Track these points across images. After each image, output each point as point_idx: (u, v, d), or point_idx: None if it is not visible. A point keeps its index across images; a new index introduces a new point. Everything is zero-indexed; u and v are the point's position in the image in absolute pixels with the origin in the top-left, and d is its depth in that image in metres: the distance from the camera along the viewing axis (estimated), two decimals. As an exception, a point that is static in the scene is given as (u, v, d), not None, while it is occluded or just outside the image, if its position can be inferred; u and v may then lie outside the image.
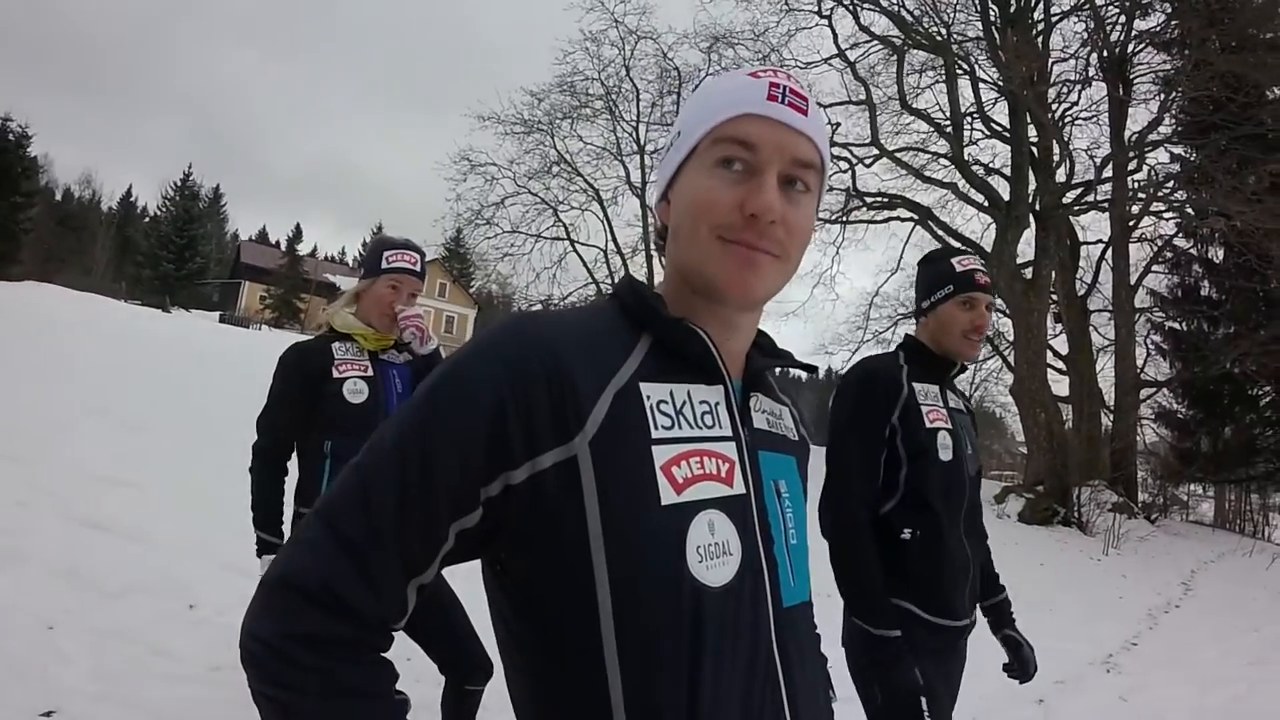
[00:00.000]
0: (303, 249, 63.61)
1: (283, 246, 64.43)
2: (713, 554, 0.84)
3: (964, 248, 1.69)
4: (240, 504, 2.65)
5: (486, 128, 20.29)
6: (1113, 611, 8.13)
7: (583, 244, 21.16)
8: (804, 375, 1.46)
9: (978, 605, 2.19)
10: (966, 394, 2.22)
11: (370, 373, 2.62)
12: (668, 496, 0.83)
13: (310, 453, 2.58)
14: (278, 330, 37.30)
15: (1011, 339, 17.47)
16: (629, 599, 0.81)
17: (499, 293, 27.35)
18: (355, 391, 2.57)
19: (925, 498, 2.01)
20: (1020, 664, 2.20)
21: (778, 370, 1.17)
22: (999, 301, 16.82)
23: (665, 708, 0.81)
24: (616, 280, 0.88)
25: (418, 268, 2.68)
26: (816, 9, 17.69)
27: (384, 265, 2.63)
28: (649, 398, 0.86)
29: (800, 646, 0.94)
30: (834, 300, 26.48)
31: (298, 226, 65.60)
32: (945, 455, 2.03)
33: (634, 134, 20.79)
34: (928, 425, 2.04)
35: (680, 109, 1.04)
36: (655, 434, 0.84)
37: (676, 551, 0.82)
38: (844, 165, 17.95)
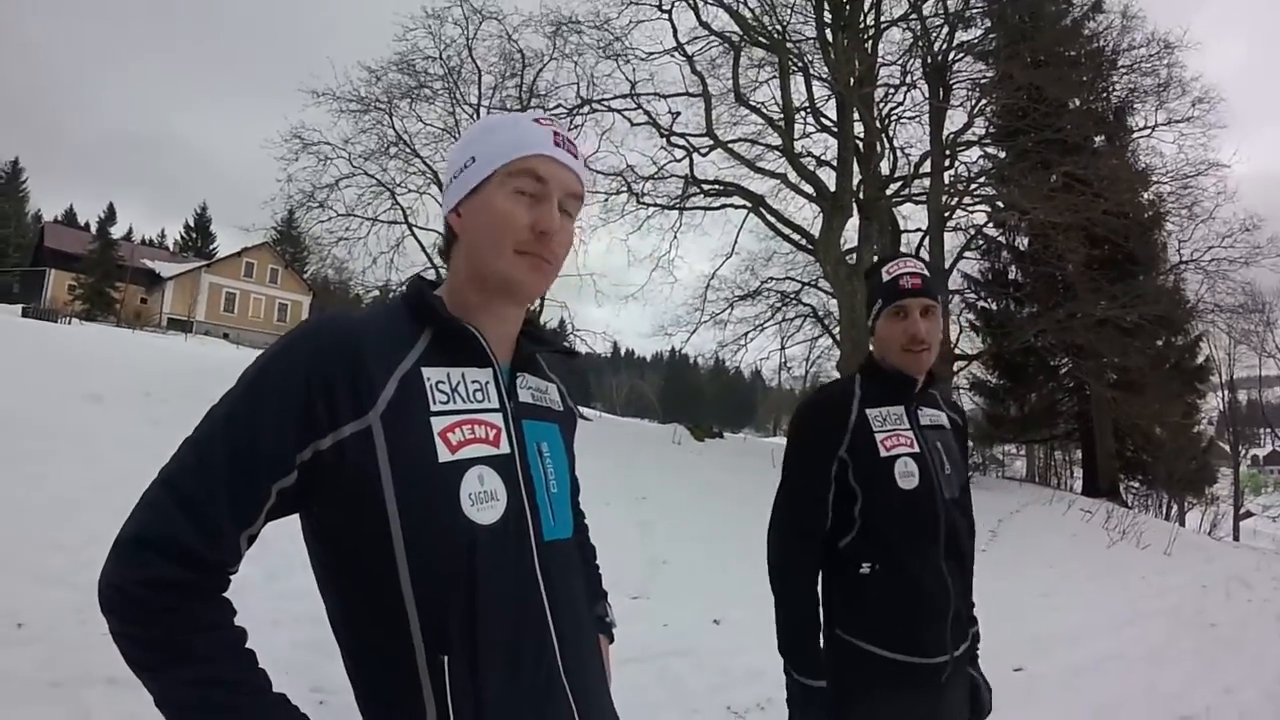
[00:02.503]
0: (116, 232, 57.52)
1: (93, 229, 58.23)
2: (482, 499, 1.05)
3: (899, 259, 1.69)
4: (50, 513, 2.39)
5: (320, 104, 18.91)
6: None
7: (421, 228, 19.88)
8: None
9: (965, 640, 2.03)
10: (940, 398, 2.19)
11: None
12: (444, 456, 1.04)
13: None
14: (90, 324, 32.95)
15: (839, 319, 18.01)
16: (417, 536, 1.01)
17: (335, 278, 25.81)
18: None
19: (882, 531, 1.89)
20: (975, 706, 2.04)
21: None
22: (827, 287, 17.87)
23: (450, 620, 1.01)
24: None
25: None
26: (657, 3, 17.69)
27: None
28: (429, 379, 1.07)
29: (563, 571, 1.16)
30: (673, 284, 26.81)
31: (110, 207, 60.81)
32: (907, 483, 1.89)
33: (474, 116, 19.28)
34: (883, 454, 1.90)
35: (466, 137, 1.22)
36: (434, 407, 1.05)
37: (452, 498, 1.02)
38: (680, 154, 18.27)
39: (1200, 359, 22.31)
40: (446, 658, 1.00)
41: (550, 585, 1.11)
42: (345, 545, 1.04)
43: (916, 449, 1.94)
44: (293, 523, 1.09)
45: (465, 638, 1.02)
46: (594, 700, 1.17)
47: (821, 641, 1.93)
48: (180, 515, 0.96)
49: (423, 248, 20.04)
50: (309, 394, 0.99)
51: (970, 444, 19.81)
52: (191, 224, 69.16)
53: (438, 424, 1.05)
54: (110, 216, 59.58)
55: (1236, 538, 22.99)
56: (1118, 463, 20.23)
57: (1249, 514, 28.54)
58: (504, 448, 1.11)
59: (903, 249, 19.36)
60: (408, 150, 19.47)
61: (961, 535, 2.01)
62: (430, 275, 1.25)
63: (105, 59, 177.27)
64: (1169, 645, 6.39)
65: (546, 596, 1.10)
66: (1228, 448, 29.58)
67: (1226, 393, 29.11)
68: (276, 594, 4.46)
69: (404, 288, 1.20)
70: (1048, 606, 7.41)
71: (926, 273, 2.03)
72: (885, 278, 2.01)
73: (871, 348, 2.09)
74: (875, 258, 17.86)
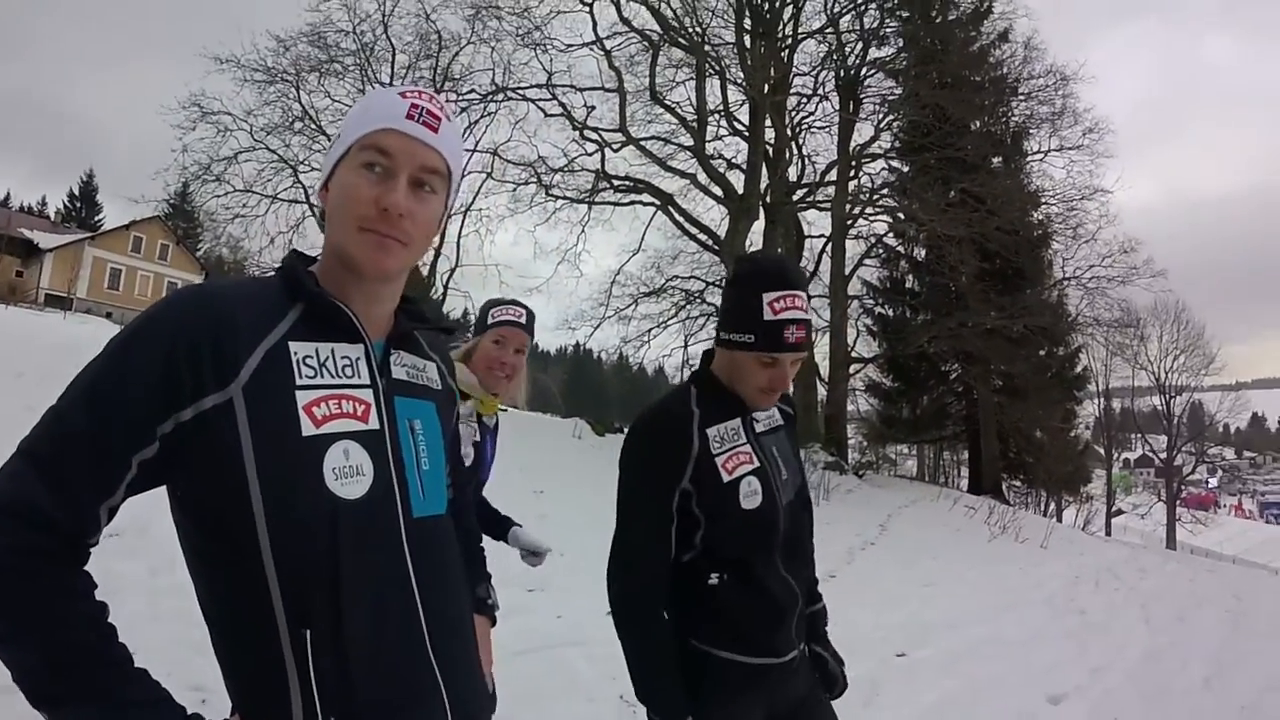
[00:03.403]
0: (-10, 198, 51.83)
1: (-39, 196, 51.94)
2: (347, 474, 1.03)
3: (786, 292, 1.46)
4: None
5: (224, 72, 17.77)
6: (817, 554, 9.62)
7: (323, 208, 18.87)
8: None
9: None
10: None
11: (478, 437, 2.59)
12: (307, 429, 1.01)
13: None
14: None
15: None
16: (278, 510, 0.99)
17: (229, 257, 24.56)
18: (464, 455, 2.47)
19: (725, 549, 1.81)
20: (825, 679, 2.03)
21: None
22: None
23: (313, 594, 1.00)
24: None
25: (523, 320, 2.65)
26: (580, -1, 17.47)
27: (490, 321, 2.61)
28: (296, 353, 1.04)
29: (433, 547, 1.14)
30: (579, 278, 26.63)
31: (-17, 171, 55.40)
32: (750, 503, 1.80)
33: (386, 97, 18.69)
34: (726, 479, 1.78)
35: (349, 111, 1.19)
36: (299, 381, 1.03)
37: (314, 472, 1.01)
38: (593, 148, 18.14)
39: (1079, 369, 23.79)
40: (309, 632, 1.00)
41: (419, 561, 1.10)
42: (208, 519, 1.02)
43: (756, 464, 1.84)
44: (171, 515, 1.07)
45: (328, 612, 1.00)
46: (463, 677, 1.16)
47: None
48: (40, 484, 0.94)
49: (323, 229, 18.50)
50: (172, 364, 0.97)
51: (850, 440, 20.66)
52: (76, 193, 62.80)
53: (302, 398, 1.03)
54: (-17, 181, 53.79)
55: (1108, 533, 24.65)
56: (1001, 463, 21.32)
57: (1120, 512, 30.38)
58: (373, 423, 1.09)
59: (805, 254, 19.68)
60: (313, 127, 18.53)
61: (803, 534, 1.98)
62: (315, 254, 1.21)
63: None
64: (1042, 630, 6.79)
65: (414, 572, 1.09)
66: (1102, 451, 31.44)
67: (1102, 400, 30.94)
68: (158, 590, 4.34)
69: (280, 263, 1.16)
70: (931, 595, 7.78)
71: (808, 316, 1.82)
72: (768, 315, 1.75)
73: (714, 363, 1.91)
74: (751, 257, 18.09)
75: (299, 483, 1.00)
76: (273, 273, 1.15)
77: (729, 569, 1.80)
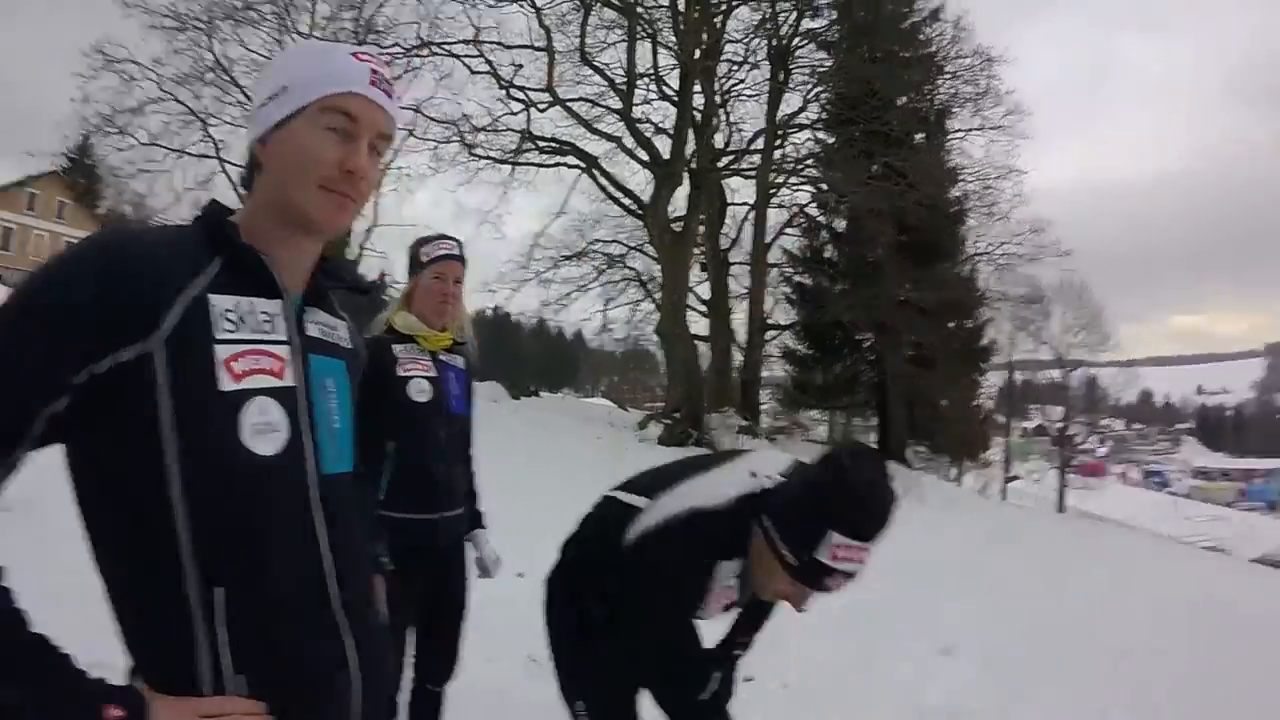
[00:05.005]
0: None
1: None
2: (262, 430, 1.01)
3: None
4: None
5: (130, 17, 16.27)
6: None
7: (234, 164, 17.02)
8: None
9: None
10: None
11: (433, 372, 2.61)
12: (226, 384, 0.98)
13: (372, 454, 2.43)
14: None
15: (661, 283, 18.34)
16: (193, 465, 0.96)
17: (132, 215, 22.88)
18: (420, 391, 2.56)
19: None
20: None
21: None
22: (652, 252, 18.16)
23: (225, 551, 0.98)
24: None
25: (456, 251, 2.67)
26: (512, -53, 16.85)
27: (424, 259, 2.63)
28: (216, 306, 1.00)
29: (342, 505, 1.13)
30: (499, 239, 25.83)
31: None
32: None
33: (304, 47, 17.30)
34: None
35: (278, 61, 1.18)
36: (219, 335, 0.99)
37: (231, 427, 0.98)
38: (518, 107, 17.69)
39: (985, 341, 24.56)
40: (221, 590, 0.98)
41: (329, 518, 1.09)
42: (115, 475, 0.97)
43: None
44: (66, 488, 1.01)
45: (239, 569, 0.99)
46: (370, 635, 1.16)
47: None
48: None
49: (234, 186, 16.86)
50: (87, 313, 0.91)
51: (763, 406, 20.98)
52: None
53: (222, 352, 0.99)
54: None
55: (1004, 498, 25.90)
56: (907, 430, 21.94)
57: (1016, 478, 31.71)
58: (288, 380, 1.07)
59: (728, 221, 19.85)
60: (226, 78, 17.18)
61: None
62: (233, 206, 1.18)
63: None
64: (940, 588, 7.13)
65: (325, 529, 1.08)
66: (1002, 420, 32.78)
67: (1006, 374, 32.22)
68: (56, 569, 4.08)
69: (199, 212, 1.12)
70: None
71: (864, 567, 1.73)
72: (824, 558, 1.66)
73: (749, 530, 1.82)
74: (701, 227, 18.45)
75: (216, 438, 0.98)
76: (189, 222, 1.12)
77: None
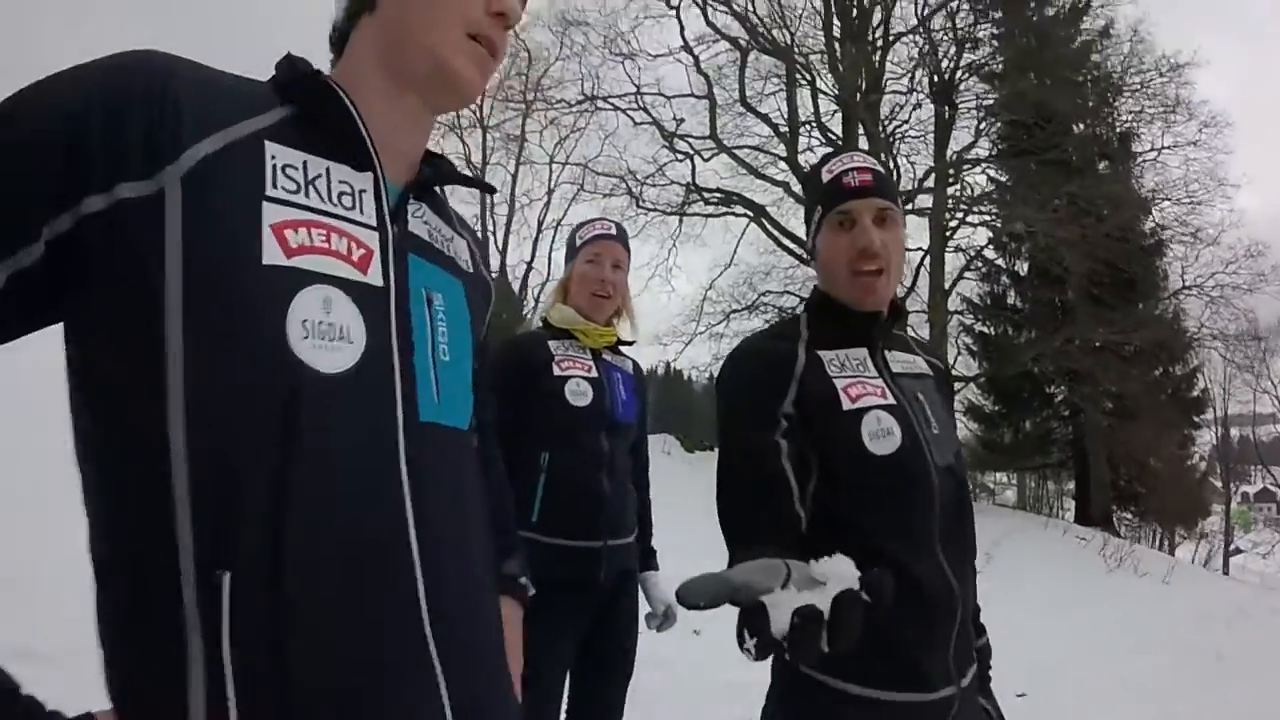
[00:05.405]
0: None
1: None
2: (323, 334, 0.71)
3: (843, 154, 1.20)
4: None
5: None
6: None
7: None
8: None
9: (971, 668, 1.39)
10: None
11: (594, 373, 2.26)
12: (272, 256, 0.70)
13: (522, 467, 2.11)
14: None
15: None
16: (204, 369, 0.66)
17: None
18: (578, 393, 2.21)
19: (850, 516, 1.29)
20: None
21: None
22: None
23: (243, 513, 0.66)
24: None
25: (614, 231, 2.41)
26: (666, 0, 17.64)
27: (578, 243, 2.38)
28: (273, 157, 0.74)
29: (445, 469, 0.81)
30: (670, 293, 26.57)
31: None
32: (881, 446, 1.29)
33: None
34: (847, 406, 1.31)
35: None
36: (271, 191, 0.72)
37: (275, 320, 0.69)
38: (683, 157, 18.16)
39: (1197, 390, 22.17)
40: (228, 575, 0.63)
41: (422, 485, 0.75)
42: (107, 387, 0.68)
43: (892, 400, 1.34)
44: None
45: (263, 546, 0.65)
46: (477, 674, 0.79)
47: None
48: None
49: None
50: (82, 132, 0.65)
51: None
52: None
53: (272, 213, 0.71)
54: None
55: (1226, 572, 22.89)
56: (1111, 492, 20.03)
57: (1238, 550, 28.41)
58: (374, 278, 0.76)
59: (904, 269, 19.25)
60: None
61: (965, 518, 1.39)
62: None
63: None
64: (1177, 673, 6.22)
65: (411, 499, 0.74)
66: (1219, 483, 29.48)
67: (1219, 428, 29.02)
68: None
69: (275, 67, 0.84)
70: (1050, 631, 7.22)
71: (879, 168, 1.47)
72: (826, 176, 1.45)
73: (820, 283, 1.54)
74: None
75: (246, 329, 0.67)
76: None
77: (855, 547, 1.00)
